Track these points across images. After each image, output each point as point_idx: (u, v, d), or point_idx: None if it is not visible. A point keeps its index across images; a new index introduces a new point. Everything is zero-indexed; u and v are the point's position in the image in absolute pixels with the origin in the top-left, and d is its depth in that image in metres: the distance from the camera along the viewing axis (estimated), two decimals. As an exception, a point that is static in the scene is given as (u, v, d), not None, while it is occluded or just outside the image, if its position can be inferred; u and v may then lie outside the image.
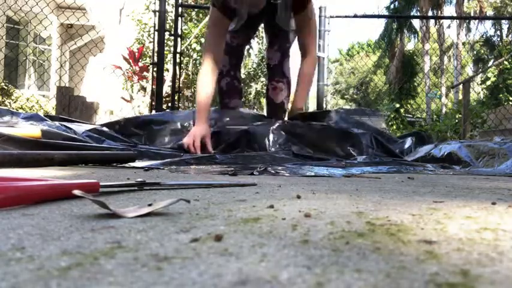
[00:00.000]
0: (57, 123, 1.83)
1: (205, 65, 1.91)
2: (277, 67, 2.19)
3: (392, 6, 16.40)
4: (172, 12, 3.60)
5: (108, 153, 1.33)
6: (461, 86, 5.52)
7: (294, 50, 2.21)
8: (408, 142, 2.01)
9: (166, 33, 3.35)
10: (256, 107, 9.93)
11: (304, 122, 1.88)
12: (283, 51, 2.19)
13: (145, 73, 6.32)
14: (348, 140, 1.77)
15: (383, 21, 16.48)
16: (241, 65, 2.27)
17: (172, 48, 3.43)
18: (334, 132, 1.80)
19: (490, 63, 15.11)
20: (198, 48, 6.96)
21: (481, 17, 14.13)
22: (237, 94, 2.25)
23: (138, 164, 1.34)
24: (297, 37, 2.07)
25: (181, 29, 3.38)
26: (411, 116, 14.99)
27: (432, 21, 15.80)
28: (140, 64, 6.45)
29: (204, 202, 0.56)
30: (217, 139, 1.83)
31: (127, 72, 6.46)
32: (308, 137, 1.77)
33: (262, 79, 9.47)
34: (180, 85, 4.07)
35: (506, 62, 9.36)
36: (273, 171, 1.13)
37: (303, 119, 1.93)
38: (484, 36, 16.95)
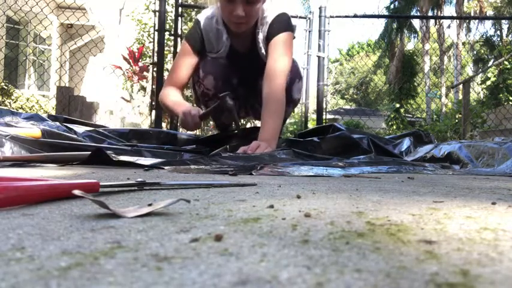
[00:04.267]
0: (57, 123, 1.83)
1: (166, 89, 1.89)
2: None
3: (392, 6, 16.42)
4: (172, 12, 3.60)
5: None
6: (461, 86, 5.53)
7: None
8: (406, 142, 2.01)
9: (166, 33, 3.35)
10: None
11: (303, 138, 1.91)
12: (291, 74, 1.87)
13: (145, 73, 6.32)
14: (347, 146, 1.79)
15: (383, 21, 16.52)
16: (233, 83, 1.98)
17: (172, 48, 3.43)
18: (333, 141, 1.82)
19: (490, 63, 15.11)
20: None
21: (481, 17, 14.14)
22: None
23: (138, 162, 1.34)
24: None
25: (181, 29, 3.38)
26: (411, 116, 15.02)
27: (432, 21, 15.83)
28: (140, 64, 6.45)
29: (204, 202, 0.56)
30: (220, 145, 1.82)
31: (127, 72, 6.47)
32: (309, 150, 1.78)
33: None
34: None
35: (506, 62, 9.36)
36: (272, 171, 1.13)
37: (302, 137, 1.98)
38: (484, 36, 16.96)
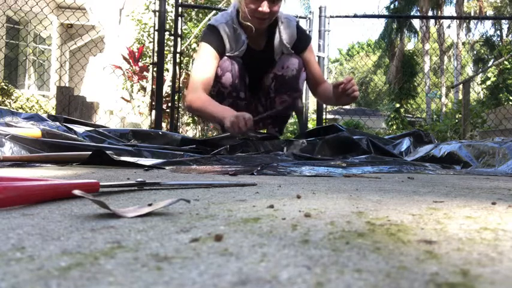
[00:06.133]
0: (57, 123, 1.83)
1: (198, 93, 1.90)
2: (293, 79, 2.01)
3: (392, 6, 16.42)
4: (172, 12, 3.60)
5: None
6: (461, 86, 5.53)
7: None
8: (406, 142, 2.01)
9: (166, 33, 3.35)
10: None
11: (306, 138, 1.92)
12: (299, 61, 2.04)
13: (145, 73, 6.33)
14: (346, 147, 1.80)
15: (383, 21, 16.52)
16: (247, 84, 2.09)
17: (172, 48, 3.43)
18: (332, 141, 1.83)
19: (490, 63, 15.11)
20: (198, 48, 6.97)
21: (481, 17, 14.13)
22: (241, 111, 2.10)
23: (138, 162, 1.34)
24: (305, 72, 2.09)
25: (181, 29, 3.38)
26: (411, 115, 15.03)
27: (432, 21, 15.84)
28: (140, 64, 6.46)
29: (204, 202, 0.56)
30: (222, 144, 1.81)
31: (127, 72, 6.47)
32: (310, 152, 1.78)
33: None
34: (180, 85, 4.07)
35: (506, 62, 9.36)
36: (273, 172, 1.13)
37: (305, 136, 2.01)
38: (484, 36, 16.97)
